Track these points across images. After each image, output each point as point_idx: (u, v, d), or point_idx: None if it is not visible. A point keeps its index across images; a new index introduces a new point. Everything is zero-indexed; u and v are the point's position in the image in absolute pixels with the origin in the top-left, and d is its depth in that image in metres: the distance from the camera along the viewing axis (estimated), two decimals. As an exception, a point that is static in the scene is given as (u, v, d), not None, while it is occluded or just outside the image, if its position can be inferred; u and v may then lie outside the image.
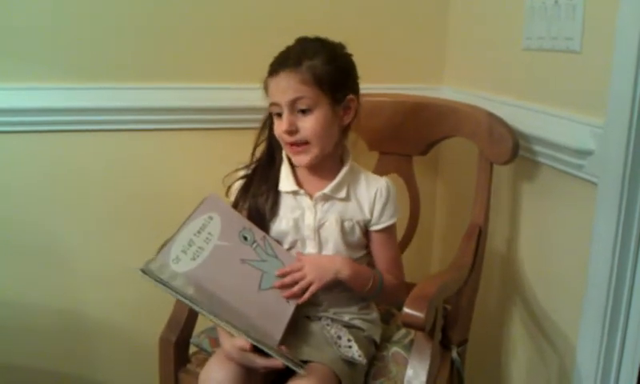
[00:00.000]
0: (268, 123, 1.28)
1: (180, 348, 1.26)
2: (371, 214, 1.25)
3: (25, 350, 1.64)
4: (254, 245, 1.20)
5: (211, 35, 1.55)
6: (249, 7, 1.55)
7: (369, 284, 1.22)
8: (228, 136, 1.56)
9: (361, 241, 1.27)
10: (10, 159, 1.51)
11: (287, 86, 1.16)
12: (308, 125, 1.18)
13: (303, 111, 1.17)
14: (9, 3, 1.42)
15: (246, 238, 1.20)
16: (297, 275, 1.18)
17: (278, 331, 1.11)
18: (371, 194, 1.26)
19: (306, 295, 1.17)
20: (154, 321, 1.29)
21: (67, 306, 1.62)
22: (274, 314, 1.14)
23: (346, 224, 1.24)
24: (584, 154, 1.17)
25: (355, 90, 1.25)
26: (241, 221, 1.22)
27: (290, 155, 1.24)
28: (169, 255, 1.12)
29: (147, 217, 1.60)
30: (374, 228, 1.26)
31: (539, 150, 1.32)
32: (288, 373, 1.07)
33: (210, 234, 1.17)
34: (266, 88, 1.21)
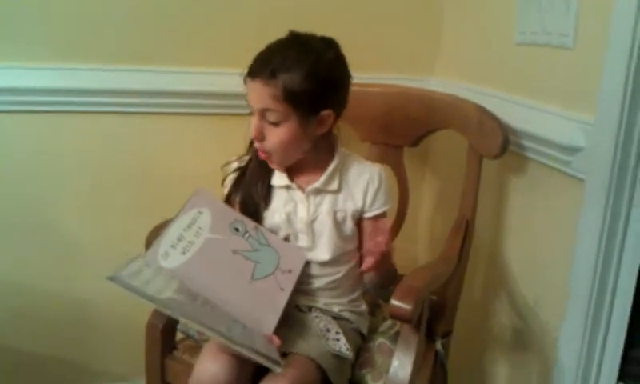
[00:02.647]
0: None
1: (167, 334, 1.25)
2: (363, 202, 1.25)
3: (29, 335, 1.65)
4: (246, 235, 1.19)
5: (206, 19, 1.54)
6: None
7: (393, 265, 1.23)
8: (224, 121, 1.56)
9: (354, 232, 1.27)
10: (11, 139, 1.51)
11: (259, 96, 1.16)
12: (273, 137, 1.18)
13: (272, 122, 1.17)
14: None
15: (237, 230, 1.19)
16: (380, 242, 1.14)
17: (271, 320, 1.11)
18: (363, 182, 1.26)
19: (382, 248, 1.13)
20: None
21: (70, 291, 1.63)
22: (267, 303, 1.13)
23: (339, 215, 1.24)
24: (573, 150, 1.18)
25: (336, 103, 1.22)
26: (231, 213, 1.22)
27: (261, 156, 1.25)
28: (157, 252, 1.11)
29: (147, 200, 1.60)
30: (366, 215, 1.26)
31: (528, 144, 1.33)
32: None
33: (200, 228, 1.16)
34: (244, 83, 1.19)
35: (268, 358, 1.01)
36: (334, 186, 1.25)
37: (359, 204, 1.25)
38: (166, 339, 1.26)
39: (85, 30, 1.48)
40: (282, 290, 1.16)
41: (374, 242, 1.13)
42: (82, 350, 1.70)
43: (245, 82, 1.19)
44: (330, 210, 1.24)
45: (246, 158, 1.29)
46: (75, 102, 1.51)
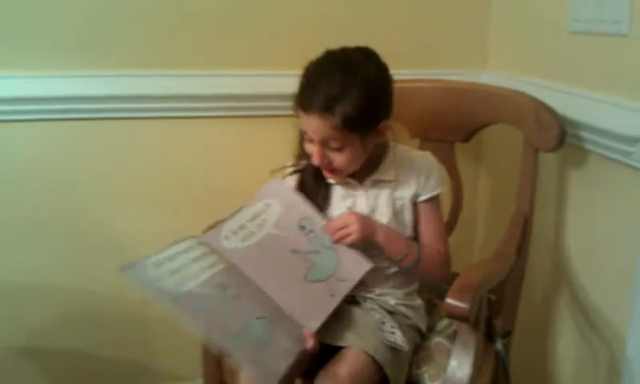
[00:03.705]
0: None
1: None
2: (417, 185, 1.27)
3: (87, 339, 1.68)
4: (311, 235, 1.20)
5: (228, 21, 1.54)
6: None
7: (404, 251, 1.23)
8: (264, 123, 1.57)
9: (411, 218, 1.28)
10: (51, 146, 1.54)
11: (317, 128, 1.15)
12: (339, 161, 1.19)
13: (334, 147, 1.17)
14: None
15: (303, 227, 1.21)
16: (343, 222, 1.21)
17: (313, 324, 1.10)
18: (416, 168, 1.27)
19: (347, 240, 1.19)
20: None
21: (126, 294, 1.61)
22: (314, 306, 1.13)
23: (398, 203, 1.26)
24: (634, 140, 1.13)
25: (387, 111, 1.22)
26: (302, 207, 1.23)
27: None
28: (219, 234, 1.15)
29: (195, 201, 1.62)
30: (420, 199, 1.27)
31: (587, 136, 1.29)
32: (325, 358, 1.09)
33: (264, 220, 1.20)
34: (296, 113, 1.19)
35: (266, 372, 1.00)
36: (390, 176, 1.26)
37: (414, 188, 1.26)
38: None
39: (115, 36, 1.50)
40: (333, 295, 1.15)
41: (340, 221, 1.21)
42: (140, 351, 1.73)
43: (296, 112, 1.19)
44: (389, 199, 1.25)
45: (303, 162, 1.29)
46: (113, 108, 1.53)
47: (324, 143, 1.17)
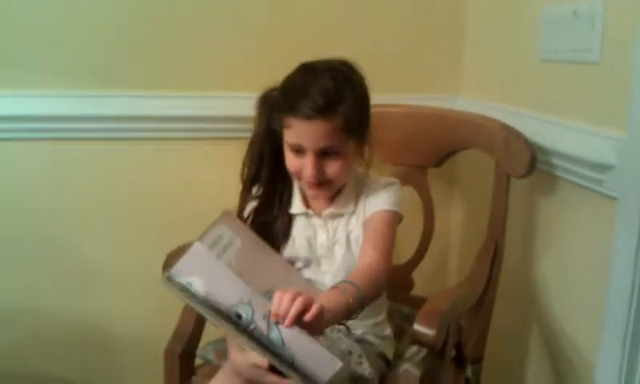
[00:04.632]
0: (263, 141, 1.22)
1: (185, 360, 1.24)
2: (370, 205, 1.21)
3: (47, 360, 1.65)
4: (252, 326, 0.93)
5: (218, 44, 1.54)
6: (255, 17, 1.54)
7: (345, 300, 1.01)
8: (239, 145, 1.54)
9: None
10: (28, 166, 1.53)
11: (319, 135, 1.12)
12: (333, 169, 1.15)
13: (329, 154, 1.15)
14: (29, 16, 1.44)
15: (239, 317, 0.94)
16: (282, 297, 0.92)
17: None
18: (374, 193, 1.22)
19: (308, 316, 0.91)
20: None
21: (88, 317, 1.64)
22: None
23: (352, 235, 1.22)
24: (604, 168, 1.13)
25: (370, 119, 1.21)
26: (236, 286, 0.96)
27: (308, 190, 1.22)
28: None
29: (164, 224, 1.60)
30: (367, 214, 1.21)
31: (558, 163, 1.29)
32: None
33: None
34: (286, 125, 1.14)
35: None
36: (350, 208, 1.23)
37: (368, 213, 1.21)
38: (185, 365, 1.24)
39: (102, 57, 1.50)
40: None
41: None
42: (100, 376, 1.70)
43: (287, 123, 1.14)
44: (346, 230, 1.22)
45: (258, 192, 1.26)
46: (90, 128, 1.53)
47: (320, 151, 1.13)
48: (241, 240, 1.20)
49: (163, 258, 1.23)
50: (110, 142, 1.55)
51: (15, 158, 1.52)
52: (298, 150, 1.15)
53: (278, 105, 1.17)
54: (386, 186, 1.23)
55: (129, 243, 1.61)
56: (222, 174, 1.49)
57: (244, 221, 1.26)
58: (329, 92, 1.11)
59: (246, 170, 1.25)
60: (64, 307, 1.62)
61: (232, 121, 1.52)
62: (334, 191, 1.21)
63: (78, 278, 1.61)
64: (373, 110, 1.21)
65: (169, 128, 1.56)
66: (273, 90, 1.20)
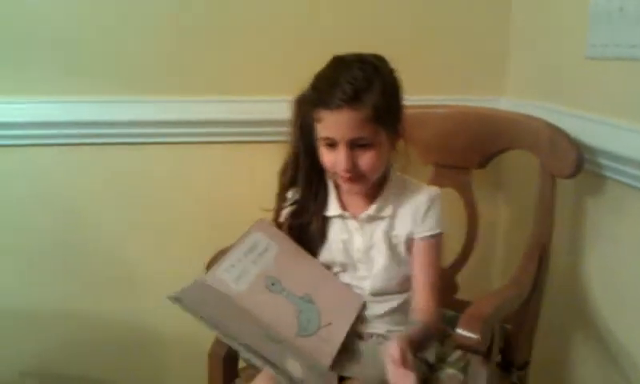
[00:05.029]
0: (299, 143, 1.22)
1: (229, 363, 1.25)
2: (414, 223, 1.21)
3: (89, 365, 1.68)
4: (284, 292, 1.17)
5: (246, 47, 1.54)
6: (280, 19, 1.54)
7: (429, 338, 1.17)
8: (271, 148, 1.52)
9: (409, 256, 1.23)
10: (68, 170, 1.56)
11: (349, 125, 1.11)
12: (366, 161, 1.14)
13: (361, 146, 1.14)
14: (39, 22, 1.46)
15: (273, 285, 1.17)
16: None
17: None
18: (415, 205, 1.22)
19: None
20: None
21: (131, 320, 1.66)
22: (313, 356, 1.10)
23: (393, 240, 1.22)
24: (652, 167, 1.10)
25: (402, 111, 1.20)
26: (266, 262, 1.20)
27: (343, 184, 1.21)
28: (217, 270, 1.13)
29: (202, 227, 1.62)
30: (415, 236, 1.21)
31: (605, 163, 1.26)
32: None
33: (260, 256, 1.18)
34: (317, 119, 1.15)
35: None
36: (388, 211, 1.22)
37: (409, 227, 1.21)
38: (228, 368, 1.25)
39: (125, 63, 1.51)
40: (328, 343, 1.12)
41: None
42: (142, 379, 1.72)
43: (317, 116, 1.14)
44: (385, 236, 1.21)
45: (292, 193, 1.27)
46: (121, 133, 1.54)
47: (351, 142, 1.12)
48: (277, 246, 1.21)
49: (202, 260, 1.24)
50: (149, 147, 1.57)
51: (61, 164, 1.55)
52: (331, 144, 1.15)
53: (309, 100, 1.17)
54: (431, 200, 1.22)
55: (168, 246, 1.63)
56: (258, 177, 1.51)
57: (280, 226, 1.27)
58: (356, 80, 1.10)
59: (283, 172, 1.26)
60: (105, 311, 1.64)
61: (267, 124, 1.53)
62: (369, 185, 1.20)
63: (118, 282, 1.64)
64: (415, 111, 1.21)
65: (208, 133, 1.57)
66: (306, 90, 1.20)
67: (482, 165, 1.45)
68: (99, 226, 1.60)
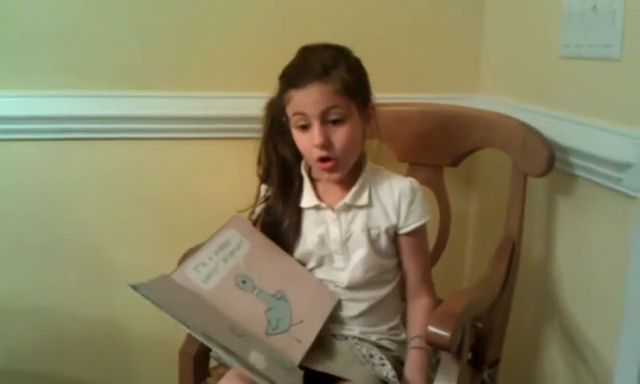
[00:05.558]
0: (271, 138, 1.24)
1: (200, 361, 1.23)
2: (397, 217, 1.21)
3: (61, 360, 1.65)
4: (255, 290, 1.15)
5: (223, 44, 1.54)
6: (254, 16, 1.54)
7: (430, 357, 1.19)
8: (245, 145, 1.50)
9: (389, 248, 1.23)
10: (46, 165, 1.54)
11: (318, 97, 1.12)
12: (339, 138, 1.14)
13: (334, 122, 1.14)
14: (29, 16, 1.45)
15: (244, 283, 1.16)
16: None
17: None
18: (395, 196, 1.22)
19: None
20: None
21: (103, 317, 1.64)
22: (285, 353, 1.09)
23: (373, 232, 1.20)
24: (623, 166, 1.11)
25: (370, 94, 1.22)
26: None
27: (319, 172, 1.21)
28: (187, 267, 1.12)
29: (179, 224, 1.60)
30: (402, 231, 1.22)
31: (576, 162, 1.26)
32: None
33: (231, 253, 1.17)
34: (288, 101, 1.16)
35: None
36: (364, 200, 1.21)
37: (394, 220, 1.21)
38: (199, 367, 1.23)
39: (107, 57, 1.50)
40: (299, 341, 1.11)
41: None
42: (116, 376, 1.70)
43: (287, 98, 1.16)
44: (364, 226, 1.20)
45: (268, 192, 1.27)
46: (102, 129, 1.53)
47: (324, 117, 1.13)
48: (250, 243, 1.20)
49: (178, 255, 1.22)
50: (124, 142, 1.55)
51: (47, 158, 1.53)
52: (304, 126, 1.15)
53: (280, 90, 1.18)
54: (413, 192, 1.22)
55: (144, 243, 1.61)
56: (237, 174, 1.49)
57: (254, 223, 1.26)
58: (324, 59, 1.14)
59: (258, 168, 1.26)
60: (80, 308, 1.62)
61: (247, 121, 1.50)
62: (345, 171, 1.19)
63: (93, 278, 1.61)
64: (389, 109, 1.21)
65: (189, 128, 1.57)
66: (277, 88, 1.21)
67: (455, 163, 1.46)
68: (74, 221, 1.58)
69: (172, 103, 1.53)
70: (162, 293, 1.03)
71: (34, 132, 1.50)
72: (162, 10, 1.50)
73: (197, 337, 0.99)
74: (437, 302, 1.24)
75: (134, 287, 0.99)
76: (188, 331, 1.00)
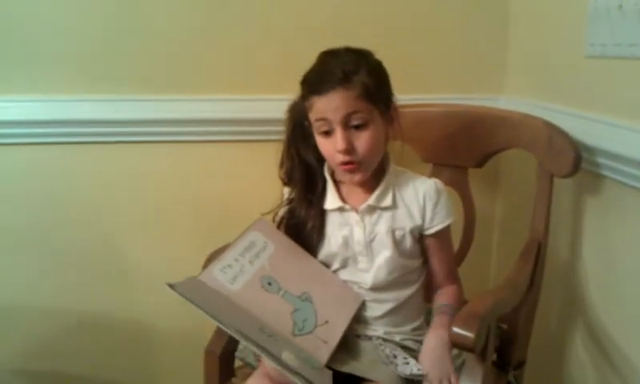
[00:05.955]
0: (294, 142, 1.25)
1: (225, 361, 1.24)
2: (422, 218, 1.22)
3: (86, 360, 1.68)
4: (281, 292, 1.16)
5: (243, 47, 1.54)
6: (277, 17, 1.54)
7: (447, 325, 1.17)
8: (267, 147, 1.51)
9: (414, 249, 1.23)
10: (65, 169, 1.55)
11: (342, 103, 1.12)
12: (363, 142, 1.14)
13: (357, 127, 1.14)
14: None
15: (270, 285, 1.17)
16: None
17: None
18: (420, 197, 1.22)
19: None
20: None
21: (129, 315, 1.66)
22: (312, 353, 1.10)
23: (397, 233, 1.21)
24: (650, 166, 1.10)
25: (392, 97, 1.22)
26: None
27: (342, 174, 1.21)
28: (214, 268, 1.13)
29: (204, 225, 1.62)
30: (427, 232, 1.23)
31: (603, 162, 1.25)
32: None
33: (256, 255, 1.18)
34: (310, 107, 1.16)
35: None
36: (388, 201, 1.21)
37: (418, 221, 1.22)
38: (224, 366, 1.24)
39: (123, 61, 1.51)
40: (325, 342, 1.12)
41: None
42: (140, 375, 1.72)
43: (309, 105, 1.16)
44: (389, 228, 1.21)
45: (288, 192, 1.28)
46: (117, 132, 1.54)
47: (347, 123, 1.13)
48: (275, 245, 1.21)
49: (196, 258, 1.23)
50: (141, 145, 1.56)
51: (64, 162, 1.55)
52: (327, 132, 1.16)
53: (302, 96, 1.19)
54: (437, 193, 1.23)
55: (169, 244, 1.62)
56: (253, 176, 1.51)
57: (278, 225, 1.27)
58: (345, 64, 1.13)
59: (280, 171, 1.27)
60: (99, 309, 1.64)
61: (264, 123, 1.53)
62: (368, 174, 1.20)
63: (113, 279, 1.63)
64: (413, 110, 1.21)
65: (206, 131, 1.57)
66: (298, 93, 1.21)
67: (480, 164, 1.45)
68: (94, 224, 1.59)
69: (188, 106, 1.53)
70: (195, 292, 1.04)
71: (53, 135, 1.52)
72: (177, 14, 1.50)
73: (233, 334, 1.00)
74: (463, 295, 1.26)
75: (171, 286, 1.01)
76: (224, 329, 1.00)
